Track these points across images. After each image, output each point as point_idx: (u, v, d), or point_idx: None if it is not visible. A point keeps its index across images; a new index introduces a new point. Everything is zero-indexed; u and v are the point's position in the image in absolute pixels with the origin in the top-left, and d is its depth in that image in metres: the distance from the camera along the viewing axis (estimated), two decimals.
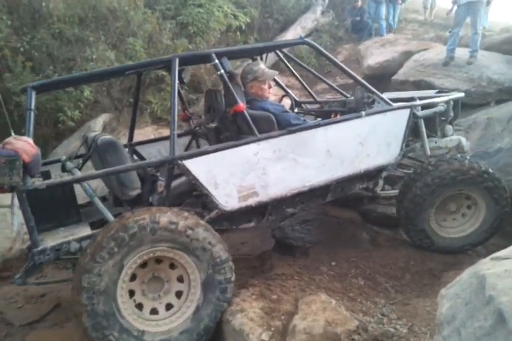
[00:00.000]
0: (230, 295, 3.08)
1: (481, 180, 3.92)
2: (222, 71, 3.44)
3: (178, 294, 3.08)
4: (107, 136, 3.62)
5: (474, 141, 5.58)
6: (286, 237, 4.70)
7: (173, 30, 8.58)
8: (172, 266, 3.07)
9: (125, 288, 2.89)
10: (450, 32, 7.74)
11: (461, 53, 7.45)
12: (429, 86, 7.02)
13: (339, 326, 2.79)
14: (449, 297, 2.08)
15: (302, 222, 5.04)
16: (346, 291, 3.46)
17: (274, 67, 8.90)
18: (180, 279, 3.08)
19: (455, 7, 8.09)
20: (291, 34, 10.25)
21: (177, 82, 3.37)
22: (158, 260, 3.03)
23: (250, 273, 3.90)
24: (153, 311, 3.03)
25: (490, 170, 3.95)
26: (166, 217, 2.90)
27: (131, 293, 2.97)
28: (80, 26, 7.52)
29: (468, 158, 4.03)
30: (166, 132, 6.24)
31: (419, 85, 7.06)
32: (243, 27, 9.54)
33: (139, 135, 6.44)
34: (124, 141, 5.27)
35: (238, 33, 9.65)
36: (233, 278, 3.07)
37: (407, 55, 8.54)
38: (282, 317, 2.99)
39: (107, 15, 7.84)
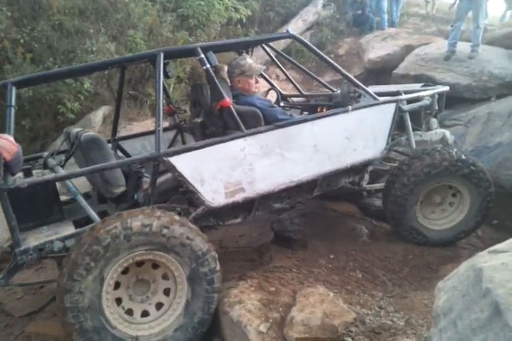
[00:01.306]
0: (219, 285, 3.05)
1: (456, 169, 3.95)
2: (208, 65, 3.39)
3: (166, 291, 3.05)
4: (91, 133, 3.56)
5: (474, 135, 5.59)
6: (285, 230, 4.72)
7: (174, 22, 8.53)
8: (155, 266, 3.03)
9: (111, 299, 2.85)
10: (452, 26, 7.70)
11: (463, 47, 7.43)
12: (430, 80, 7.00)
13: (337, 318, 2.81)
14: (446, 289, 2.09)
15: (301, 215, 5.05)
16: (344, 284, 3.48)
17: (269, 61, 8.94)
18: (165, 277, 3.05)
19: (457, 1, 8.05)
20: (293, 27, 10.18)
21: (162, 76, 3.31)
22: (140, 263, 2.98)
23: (249, 265, 3.92)
24: (144, 313, 3.01)
25: (463, 156, 3.98)
26: (138, 220, 2.81)
27: (119, 301, 2.94)
28: (80, 18, 7.46)
29: (440, 148, 4.05)
30: (164, 125, 6.19)
31: (420, 79, 7.04)
32: (244, 20, 9.47)
33: (139, 127, 6.46)
34: (123, 133, 5.27)
35: (239, 26, 9.61)
36: (218, 268, 3.03)
37: (409, 49, 8.51)
38: (280, 309, 3.01)
39: (107, 7, 7.78)
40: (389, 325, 2.93)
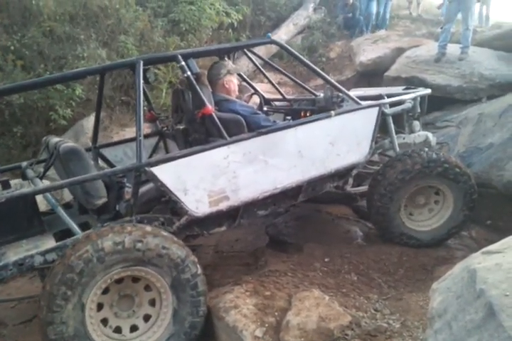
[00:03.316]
0: (204, 288, 2.99)
1: (429, 170, 3.95)
2: (189, 73, 3.36)
3: (152, 302, 3.00)
4: (69, 144, 3.48)
5: (466, 136, 5.62)
6: (280, 234, 4.71)
7: (165, 27, 8.55)
8: (135, 280, 2.96)
9: (95, 322, 2.79)
10: (441, 28, 7.76)
11: (453, 49, 7.48)
12: (422, 82, 7.05)
13: (332, 321, 2.81)
14: (441, 291, 2.09)
15: (296, 219, 5.05)
16: (339, 287, 3.48)
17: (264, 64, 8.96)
18: (147, 288, 2.99)
19: (446, 2, 8.11)
20: (284, 31, 10.25)
21: (142, 84, 3.26)
22: (119, 280, 2.90)
23: (244, 269, 3.91)
24: (134, 328, 2.96)
25: (434, 156, 3.97)
26: (108, 240, 2.72)
27: (105, 321, 2.88)
28: (70, 24, 7.47)
29: (410, 152, 4.05)
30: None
31: (411, 81, 7.07)
32: (235, 24, 9.51)
33: (132, 133, 6.43)
34: (116, 139, 5.24)
35: (230, 31, 9.64)
36: (199, 271, 2.97)
37: (399, 51, 8.56)
38: (276, 314, 3.00)
39: (97, 13, 7.79)
40: (385, 327, 2.93)
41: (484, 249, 2.10)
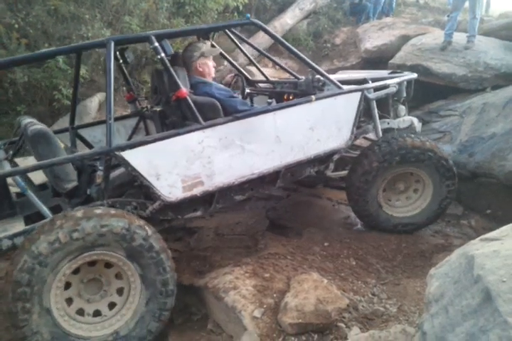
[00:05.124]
0: (160, 245, 2.94)
1: (398, 159, 3.97)
2: (163, 54, 3.25)
3: (119, 277, 3.00)
4: (38, 126, 3.38)
5: (469, 125, 5.61)
6: (280, 218, 4.75)
7: (170, 9, 8.47)
8: (92, 264, 2.94)
9: (70, 317, 2.83)
10: (448, 16, 7.69)
11: (459, 38, 7.42)
12: (427, 70, 7.02)
13: (330, 304, 2.85)
14: (438, 276, 2.13)
15: (296, 204, 5.09)
16: (338, 271, 3.53)
17: (267, 50, 8.94)
18: (109, 266, 2.97)
19: None
20: (289, 15, 10.15)
21: (112, 66, 3.14)
22: (77, 269, 2.87)
23: (244, 252, 3.94)
24: (111, 305, 2.98)
25: (400, 141, 3.98)
26: (41, 242, 2.64)
27: (81, 311, 2.90)
28: (75, 3, 7.39)
29: (379, 141, 4.08)
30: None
31: (416, 69, 7.00)
32: (240, 7, 9.41)
33: None
34: None
35: (235, 14, 9.56)
36: (150, 232, 2.91)
37: (405, 38, 8.49)
38: (274, 295, 3.06)
39: None
40: (382, 311, 2.99)
41: (483, 236, 2.12)
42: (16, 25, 6.64)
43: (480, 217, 4.80)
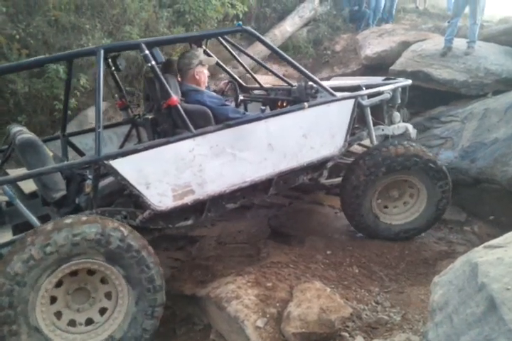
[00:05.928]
0: (139, 243, 2.90)
1: (384, 170, 3.96)
2: (153, 62, 3.23)
3: (104, 282, 2.97)
4: (26, 135, 3.34)
5: (471, 131, 5.59)
6: (282, 226, 4.73)
7: (170, 18, 8.51)
8: (73, 274, 2.89)
9: (62, 330, 2.80)
10: (448, 22, 7.70)
11: (459, 44, 7.42)
12: (427, 76, 7.02)
13: (333, 313, 2.83)
14: (442, 284, 2.10)
15: (298, 212, 5.06)
16: (341, 279, 3.50)
17: (267, 57, 8.97)
18: (91, 273, 2.95)
19: None
20: (289, 23, 10.18)
21: (102, 74, 3.14)
22: (59, 282, 2.83)
23: (246, 261, 3.92)
24: (102, 310, 2.95)
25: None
26: (15, 263, 2.58)
27: (73, 322, 2.87)
28: (75, 14, 7.43)
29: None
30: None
31: (417, 76, 7.03)
32: (240, 16, 9.45)
33: None
34: None
35: (235, 22, 9.59)
36: (126, 233, 2.86)
37: (405, 45, 8.49)
38: (277, 305, 3.03)
39: (103, 3, 7.74)
40: (385, 320, 2.96)
41: (486, 243, 2.10)
42: (17, 36, 6.66)
43: (483, 223, 4.76)
